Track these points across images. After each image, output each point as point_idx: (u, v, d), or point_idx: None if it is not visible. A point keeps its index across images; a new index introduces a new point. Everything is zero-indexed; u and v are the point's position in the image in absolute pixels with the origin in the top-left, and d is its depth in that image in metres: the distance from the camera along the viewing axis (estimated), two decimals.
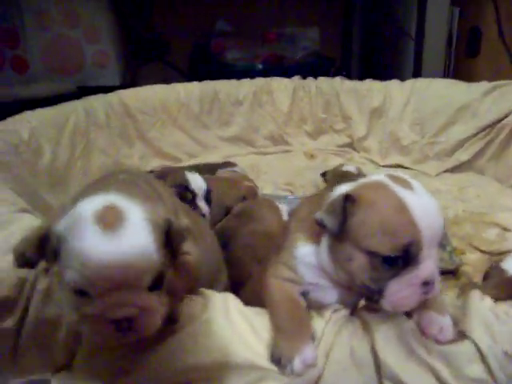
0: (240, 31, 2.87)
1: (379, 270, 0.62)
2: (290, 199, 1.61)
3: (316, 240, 0.69)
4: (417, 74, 2.36)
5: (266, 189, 1.69)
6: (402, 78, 2.17)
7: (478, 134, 1.86)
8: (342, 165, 1.67)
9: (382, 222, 0.62)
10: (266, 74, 2.28)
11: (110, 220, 0.57)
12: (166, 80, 2.82)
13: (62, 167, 1.57)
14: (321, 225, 0.66)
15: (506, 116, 1.79)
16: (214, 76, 2.27)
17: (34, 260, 0.63)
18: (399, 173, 0.69)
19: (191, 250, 0.69)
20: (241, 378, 0.57)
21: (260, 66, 2.63)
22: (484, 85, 1.91)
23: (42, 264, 0.68)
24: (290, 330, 0.65)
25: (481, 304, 0.63)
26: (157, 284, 0.59)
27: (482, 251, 1.34)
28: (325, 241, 0.68)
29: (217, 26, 2.96)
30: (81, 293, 0.57)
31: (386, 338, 0.59)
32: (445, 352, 0.58)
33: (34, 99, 2.38)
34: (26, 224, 0.79)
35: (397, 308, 0.63)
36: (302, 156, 2.08)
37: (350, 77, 2.97)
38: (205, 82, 2.13)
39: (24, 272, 0.70)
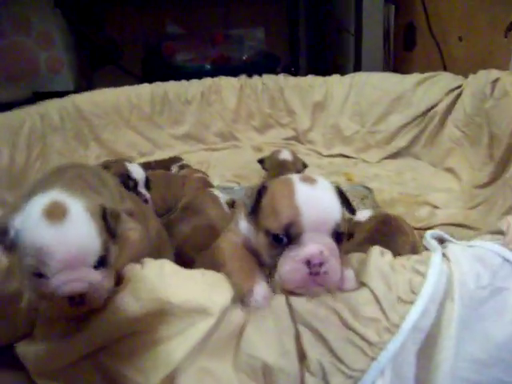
0: (189, 34, 2.96)
1: (272, 246, 0.73)
2: (236, 190, 1.72)
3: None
4: (357, 68, 2.48)
5: (214, 182, 1.78)
6: (345, 72, 2.28)
7: (412, 122, 1.99)
8: (278, 151, 1.76)
9: (272, 205, 0.74)
10: (215, 74, 2.35)
11: (55, 214, 0.68)
12: (120, 83, 2.90)
13: (20, 169, 1.64)
14: (244, 205, 0.78)
15: (435, 105, 1.92)
16: (166, 78, 2.34)
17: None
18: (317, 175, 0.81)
19: (134, 227, 0.80)
20: (182, 320, 0.68)
21: (209, 67, 2.71)
22: (416, 76, 2.04)
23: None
24: (244, 272, 0.75)
25: (379, 258, 0.75)
26: (102, 262, 0.69)
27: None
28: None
29: (167, 29, 3.05)
30: (38, 275, 0.67)
31: None
32: (346, 297, 0.70)
33: None
34: None
35: (285, 282, 0.71)
36: (251, 150, 2.18)
37: (297, 73, 3.11)
38: (155, 83, 2.20)
39: None
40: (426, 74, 2.02)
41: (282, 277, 0.71)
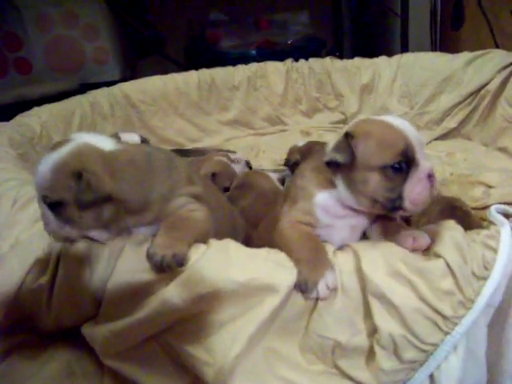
0: (233, 20, 2.97)
1: (392, 179, 0.76)
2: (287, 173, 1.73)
3: (329, 186, 0.81)
4: (404, 49, 2.45)
5: (265, 166, 1.79)
6: (391, 54, 2.26)
7: (463, 102, 1.95)
8: (295, 145, 1.72)
9: (379, 141, 0.77)
10: (260, 59, 2.36)
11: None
12: (164, 72, 2.93)
13: None
14: (333, 163, 0.79)
15: (487, 83, 1.87)
16: (210, 65, 2.36)
17: None
18: None
19: (198, 209, 0.80)
20: (248, 298, 0.68)
21: (254, 52, 2.71)
22: (466, 55, 2.00)
23: None
24: (311, 259, 0.75)
25: (455, 230, 0.74)
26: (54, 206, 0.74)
27: None
28: (339, 181, 0.80)
29: (211, 17, 3.06)
30: None
31: (372, 260, 0.70)
32: (421, 268, 0.69)
33: (39, 99, 2.50)
34: None
35: (418, 204, 0.76)
36: (299, 134, 2.18)
37: (342, 56, 3.09)
38: (201, 70, 2.22)
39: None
40: (477, 53, 1.98)
41: (416, 200, 0.76)
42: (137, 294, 0.72)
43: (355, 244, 0.76)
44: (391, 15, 2.62)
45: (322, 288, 0.71)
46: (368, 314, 0.69)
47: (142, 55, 3.25)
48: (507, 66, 1.84)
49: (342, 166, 0.78)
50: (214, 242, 0.73)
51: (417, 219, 1.05)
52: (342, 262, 0.72)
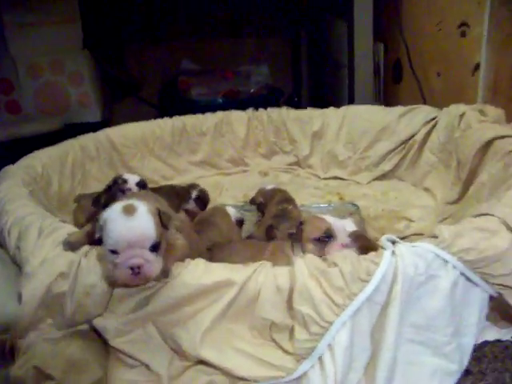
0: (203, 70, 3.33)
1: (317, 247, 1.24)
2: (245, 208, 2.05)
3: None
4: (351, 100, 2.81)
5: (227, 202, 2.09)
6: (342, 104, 2.60)
7: (396, 148, 2.27)
8: (263, 188, 2.00)
9: (313, 228, 1.25)
10: (226, 106, 2.65)
11: (128, 210, 1.01)
12: (140, 113, 3.27)
13: (66, 193, 1.99)
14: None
15: (415, 134, 2.20)
16: (180, 109, 2.67)
17: (79, 246, 1.08)
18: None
19: (180, 238, 1.14)
20: (212, 293, 1.02)
21: (220, 101, 3.05)
22: (400, 109, 2.32)
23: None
24: None
25: (349, 252, 1.09)
26: (155, 248, 1.01)
27: None
28: None
29: (182, 65, 3.41)
30: (113, 252, 1.00)
31: (300, 267, 1.06)
32: (326, 272, 1.03)
33: (27, 137, 2.81)
34: (69, 229, 1.23)
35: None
36: (257, 174, 2.49)
37: (300, 103, 3.47)
38: (175, 117, 2.51)
39: (71, 255, 1.13)
40: (408, 107, 2.31)
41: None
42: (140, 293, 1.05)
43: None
44: (342, 69, 2.98)
45: None
46: (292, 302, 1.03)
47: (120, 97, 3.57)
48: (431, 120, 2.16)
49: None
50: (190, 261, 1.08)
51: None
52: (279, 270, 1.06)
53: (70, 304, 1.10)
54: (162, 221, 1.04)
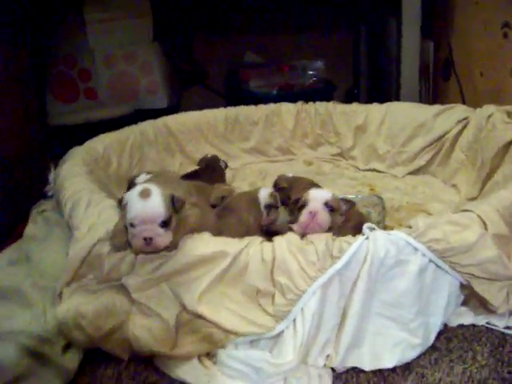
0: (263, 63, 3.55)
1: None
2: None
3: None
4: (397, 96, 2.95)
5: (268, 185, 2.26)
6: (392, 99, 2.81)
7: (430, 145, 2.39)
8: (283, 175, 2.16)
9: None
10: (280, 99, 2.86)
11: (144, 194, 1.25)
12: (206, 100, 3.56)
13: (124, 172, 2.26)
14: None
15: (448, 132, 2.33)
16: (241, 99, 2.95)
17: (123, 245, 1.32)
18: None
19: (193, 213, 1.37)
20: (210, 262, 1.26)
21: (275, 93, 3.27)
22: (437, 107, 2.44)
23: None
24: None
25: (327, 235, 1.29)
26: (165, 224, 1.24)
27: None
28: None
29: (245, 57, 3.65)
30: (131, 225, 1.25)
31: (279, 243, 1.26)
32: (302, 249, 1.24)
33: (102, 120, 3.13)
34: (110, 202, 1.50)
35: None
36: (302, 163, 2.70)
37: (359, 97, 3.64)
38: (228, 108, 2.76)
39: (111, 225, 1.38)
40: (444, 106, 2.43)
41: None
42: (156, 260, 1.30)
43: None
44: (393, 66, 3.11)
45: None
46: (273, 273, 1.25)
47: (187, 85, 3.84)
48: (463, 119, 2.27)
49: None
50: (196, 235, 1.32)
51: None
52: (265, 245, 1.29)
53: (107, 264, 1.36)
54: (174, 204, 1.28)
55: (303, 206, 1.45)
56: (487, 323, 1.43)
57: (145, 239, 1.24)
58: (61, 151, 2.18)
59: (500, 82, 2.42)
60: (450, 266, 1.31)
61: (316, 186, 1.98)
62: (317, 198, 1.46)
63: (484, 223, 1.34)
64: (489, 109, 2.19)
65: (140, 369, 1.35)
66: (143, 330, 1.28)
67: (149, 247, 1.25)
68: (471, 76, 2.69)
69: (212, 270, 1.26)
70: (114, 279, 1.36)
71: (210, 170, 2.26)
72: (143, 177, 1.82)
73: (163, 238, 1.25)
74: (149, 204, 1.24)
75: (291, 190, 1.96)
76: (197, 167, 2.35)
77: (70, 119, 3.16)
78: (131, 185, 1.81)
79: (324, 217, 1.42)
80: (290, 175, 2.13)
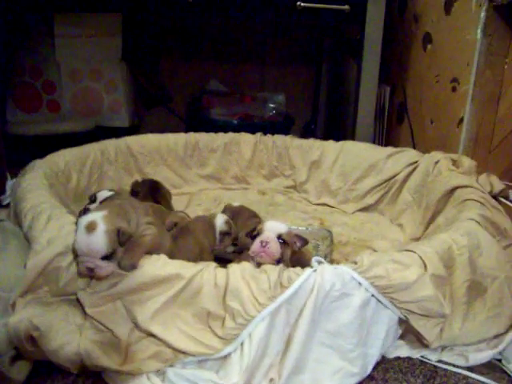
0: (226, 92, 3.64)
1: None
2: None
3: None
4: (353, 134, 3.07)
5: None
6: (348, 137, 2.93)
7: (380, 185, 2.51)
8: (230, 204, 2.22)
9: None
10: (240, 129, 2.95)
11: (89, 227, 1.31)
12: (167, 122, 3.62)
13: (82, 188, 2.30)
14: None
15: (398, 173, 2.44)
16: (201, 125, 3.04)
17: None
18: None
19: (150, 233, 1.43)
20: (165, 283, 1.31)
21: (235, 122, 3.36)
22: (390, 149, 2.57)
23: None
24: None
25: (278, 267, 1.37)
26: (106, 257, 1.30)
27: None
28: None
29: (209, 85, 3.73)
30: (76, 255, 1.32)
31: (233, 271, 1.33)
32: (255, 276, 1.32)
33: (63, 134, 3.16)
34: (71, 219, 1.54)
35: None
36: (256, 193, 2.77)
37: (316, 131, 3.76)
38: (189, 133, 2.83)
39: (70, 239, 1.43)
40: (396, 149, 2.56)
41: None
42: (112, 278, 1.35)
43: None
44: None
45: None
46: (225, 298, 1.31)
47: (149, 107, 3.91)
48: (413, 163, 2.40)
49: None
50: (153, 256, 1.38)
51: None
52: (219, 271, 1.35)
53: (63, 278, 1.40)
54: (119, 238, 1.34)
55: (257, 235, 1.52)
56: (422, 356, 1.53)
57: (87, 268, 1.31)
58: (18, 161, 2.22)
59: (448, 130, 2.55)
60: (390, 301, 1.40)
61: (257, 217, 2.14)
62: (271, 229, 1.54)
63: (424, 263, 1.44)
64: (436, 155, 2.32)
65: (88, 383, 1.38)
66: (94, 345, 1.33)
67: (91, 274, 1.33)
68: (422, 122, 2.83)
69: (166, 291, 1.32)
70: (69, 293, 1.40)
71: (156, 194, 2.32)
72: (104, 193, 1.89)
73: (105, 268, 1.32)
74: (92, 239, 1.31)
75: (235, 219, 2.03)
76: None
77: (30, 129, 3.18)
78: (92, 198, 1.89)
79: (275, 247, 1.50)
80: (237, 204, 2.21)
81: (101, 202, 1.84)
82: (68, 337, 1.33)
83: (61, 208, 1.67)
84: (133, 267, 1.34)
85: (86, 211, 1.79)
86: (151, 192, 2.29)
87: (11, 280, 1.51)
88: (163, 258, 1.38)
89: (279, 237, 1.53)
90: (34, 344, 1.34)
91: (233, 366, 1.30)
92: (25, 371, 1.37)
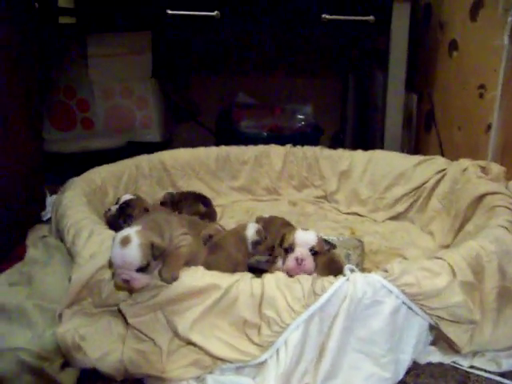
0: (255, 104, 3.69)
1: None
2: None
3: None
4: (382, 144, 3.10)
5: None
6: (377, 147, 2.96)
7: (410, 193, 2.54)
8: (261, 216, 2.20)
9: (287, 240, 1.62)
10: (269, 141, 3.01)
11: (123, 241, 1.37)
12: (197, 136, 3.69)
13: None
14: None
15: (427, 181, 2.47)
16: (231, 138, 3.09)
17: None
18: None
19: (185, 244, 1.50)
20: (204, 294, 1.37)
21: (265, 135, 3.41)
22: (418, 157, 2.60)
23: None
24: None
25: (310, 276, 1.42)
26: (141, 269, 1.37)
27: None
28: None
29: (238, 98, 3.79)
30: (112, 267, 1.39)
31: (268, 280, 1.38)
32: (289, 285, 1.37)
33: (97, 150, 3.25)
34: (111, 233, 1.61)
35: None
36: (286, 203, 2.81)
37: (344, 142, 3.80)
38: (220, 147, 2.89)
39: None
40: (425, 157, 2.58)
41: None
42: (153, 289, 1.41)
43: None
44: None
45: None
46: (261, 307, 1.37)
47: (181, 121, 3.99)
48: (441, 170, 2.42)
49: None
50: (192, 268, 1.44)
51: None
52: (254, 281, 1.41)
53: (106, 290, 1.47)
54: (153, 252, 1.40)
55: (290, 249, 1.57)
56: (453, 362, 1.56)
57: (123, 280, 1.38)
58: (54, 178, 2.31)
59: (476, 137, 2.56)
60: (420, 308, 1.44)
61: (290, 225, 2.13)
62: (303, 243, 1.59)
63: (453, 270, 1.47)
64: (464, 162, 2.35)
65: None
66: (137, 353, 1.39)
67: (127, 286, 1.39)
68: (450, 129, 2.84)
69: (204, 301, 1.38)
70: (111, 304, 1.48)
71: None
72: (126, 196, 2.08)
73: (140, 280, 1.38)
74: (126, 252, 1.37)
75: (267, 228, 2.06)
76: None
77: (66, 147, 3.30)
78: (117, 201, 2.08)
79: (310, 263, 1.56)
80: (267, 216, 2.23)
81: (120, 204, 2.02)
82: (112, 346, 1.40)
83: (101, 223, 1.76)
84: (174, 279, 1.41)
85: (109, 211, 2.01)
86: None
87: (57, 292, 1.60)
88: (201, 269, 1.44)
89: (311, 249, 1.58)
90: (81, 352, 1.41)
91: (269, 372, 1.36)
92: (73, 378, 1.43)
